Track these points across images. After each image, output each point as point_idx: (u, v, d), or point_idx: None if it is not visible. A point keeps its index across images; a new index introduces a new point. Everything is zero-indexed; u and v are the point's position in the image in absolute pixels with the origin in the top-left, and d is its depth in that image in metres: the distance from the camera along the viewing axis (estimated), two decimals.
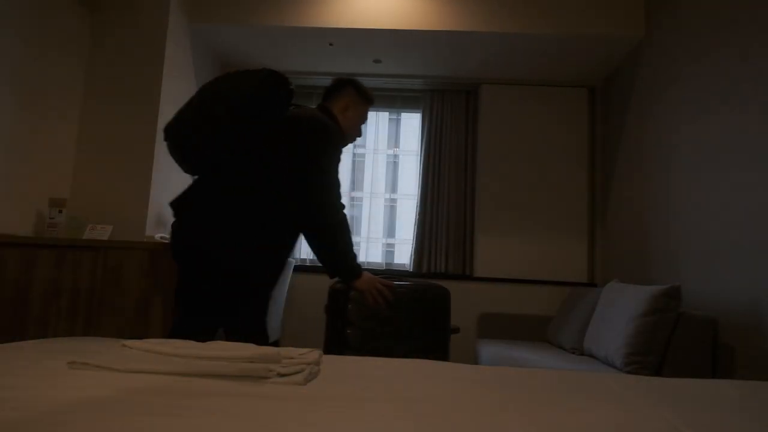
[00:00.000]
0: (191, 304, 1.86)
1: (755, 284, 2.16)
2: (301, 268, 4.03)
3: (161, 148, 3.22)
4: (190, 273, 1.84)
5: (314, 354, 1.28)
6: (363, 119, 2.14)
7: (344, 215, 1.89)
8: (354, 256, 1.92)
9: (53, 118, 2.96)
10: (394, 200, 4.28)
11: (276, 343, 3.72)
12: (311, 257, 4.19)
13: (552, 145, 4.09)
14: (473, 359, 3.76)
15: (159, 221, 3.24)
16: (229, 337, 1.86)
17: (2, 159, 2.61)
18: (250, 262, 1.80)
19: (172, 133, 1.84)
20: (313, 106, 2.07)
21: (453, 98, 4.24)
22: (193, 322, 1.84)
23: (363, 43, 3.63)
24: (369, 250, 4.20)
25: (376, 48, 3.69)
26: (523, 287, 3.94)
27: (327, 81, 4.18)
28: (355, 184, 4.25)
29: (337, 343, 2.00)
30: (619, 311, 2.52)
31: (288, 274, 3.61)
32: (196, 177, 1.93)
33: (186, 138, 1.82)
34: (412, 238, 4.12)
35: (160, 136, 3.19)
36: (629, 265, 3.43)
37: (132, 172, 3.12)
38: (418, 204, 4.11)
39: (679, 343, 2.31)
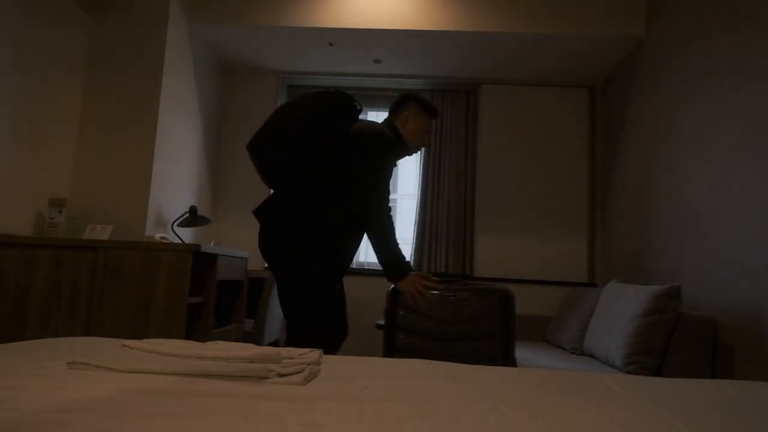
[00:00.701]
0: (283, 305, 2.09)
1: (755, 284, 2.16)
2: None
3: (161, 149, 3.22)
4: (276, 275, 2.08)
5: (314, 354, 1.28)
6: (425, 129, 2.28)
7: (390, 218, 2.02)
8: (396, 257, 2.01)
9: (53, 118, 2.96)
10: (394, 200, 4.28)
11: (276, 343, 3.72)
12: None
13: (552, 145, 4.09)
14: None
15: (159, 221, 3.24)
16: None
17: (2, 159, 2.61)
18: (317, 266, 2.01)
19: (252, 149, 2.04)
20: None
21: (453, 98, 4.24)
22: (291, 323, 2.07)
23: (363, 43, 3.63)
24: (369, 250, 4.20)
25: (376, 48, 3.69)
26: (523, 287, 3.94)
27: (327, 81, 4.22)
28: None
29: (390, 347, 1.94)
30: (619, 311, 2.52)
31: None
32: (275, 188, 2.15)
33: (263, 154, 2.02)
34: (412, 237, 4.12)
35: (160, 136, 3.19)
36: (629, 265, 3.43)
37: (132, 172, 3.12)
38: (419, 204, 4.11)
39: (679, 343, 2.31)
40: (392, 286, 2.01)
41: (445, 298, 1.95)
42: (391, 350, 1.94)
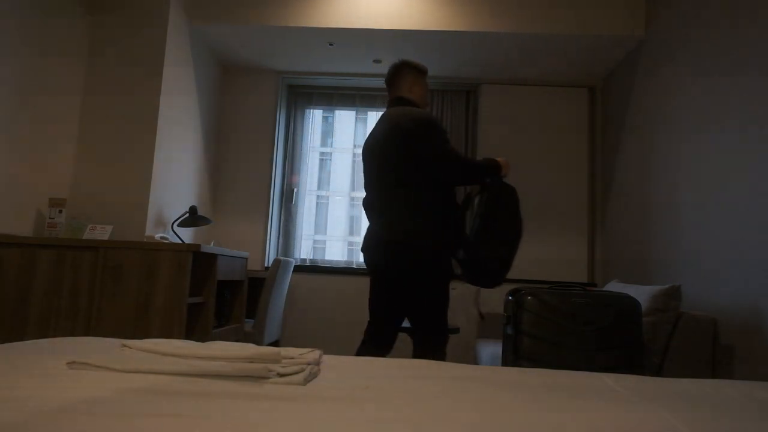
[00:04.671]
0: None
1: (755, 284, 2.16)
2: (301, 268, 4.04)
3: (161, 148, 3.22)
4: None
5: (314, 354, 1.28)
6: (427, 87, 2.45)
7: (464, 164, 2.21)
8: (481, 165, 2.23)
9: (53, 118, 2.96)
10: None
11: (276, 343, 3.72)
12: (311, 257, 4.20)
13: (552, 145, 4.09)
14: (473, 359, 3.76)
15: (159, 221, 3.24)
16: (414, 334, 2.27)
17: (2, 159, 2.61)
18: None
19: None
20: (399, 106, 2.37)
21: (453, 98, 4.24)
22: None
23: (363, 43, 3.63)
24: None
25: (376, 48, 3.69)
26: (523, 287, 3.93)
27: (327, 81, 4.23)
28: (356, 184, 4.26)
29: (512, 352, 1.92)
30: None
31: (288, 274, 3.62)
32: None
33: (365, 162, 2.39)
34: None
35: (160, 135, 3.19)
36: (629, 265, 3.43)
37: (132, 172, 3.12)
38: None
39: (679, 343, 2.31)
40: (512, 293, 2.06)
41: (571, 306, 1.91)
42: (516, 357, 1.90)
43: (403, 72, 2.39)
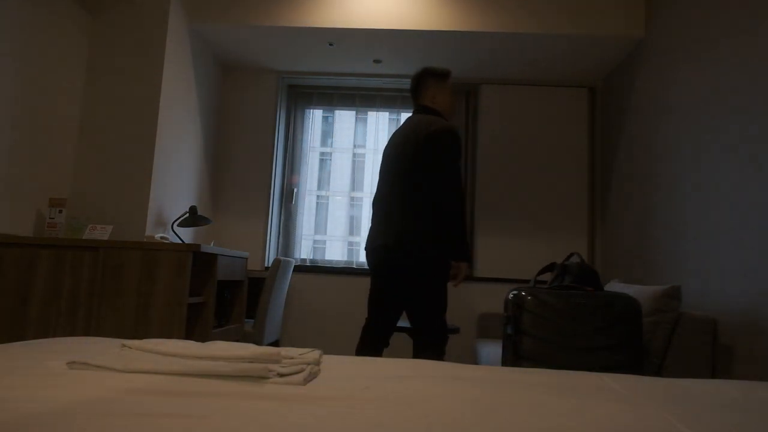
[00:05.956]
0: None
1: (755, 284, 2.16)
2: (301, 268, 4.04)
3: (161, 149, 3.22)
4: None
5: (314, 354, 1.28)
6: (451, 93, 2.48)
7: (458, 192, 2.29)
8: (466, 240, 2.30)
9: (53, 118, 2.96)
10: None
11: (276, 343, 3.72)
12: (311, 257, 4.20)
13: (552, 145, 4.09)
14: (473, 359, 3.76)
15: (159, 221, 3.24)
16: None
17: (2, 159, 2.61)
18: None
19: None
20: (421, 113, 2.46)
21: None
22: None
23: (363, 43, 3.63)
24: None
25: (376, 48, 3.69)
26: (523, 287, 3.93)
27: (327, 81, 4.22)
28: (356, 184, 4.26)
29: (512, 352, 1.93)
30: None
31: (288, 274, 3.62)
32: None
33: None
34: None
35: (160, 135, 3.19)
36: (629, 265, 3.43)
37: (132, 172, 3.12)
38: None
39: (679, 343, 2.31)
40: (512, 293, 2.05)
41: (571, 306, 1.90)
42: (516, 357, 1.90)
43: (424, 81, 2.45)
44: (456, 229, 2.24)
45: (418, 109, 2.46)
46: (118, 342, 1.41)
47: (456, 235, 2.24)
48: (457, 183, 2.24)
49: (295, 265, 3.89)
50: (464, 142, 4.21)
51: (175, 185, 3.43)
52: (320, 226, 4.26)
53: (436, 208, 2.24)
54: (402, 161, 2.31)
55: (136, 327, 2.45)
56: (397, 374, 1.22)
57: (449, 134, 2.27)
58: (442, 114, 2.42)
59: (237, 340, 3.11)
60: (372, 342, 2.39)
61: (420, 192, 2.25)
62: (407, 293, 2.30)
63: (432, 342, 2.27)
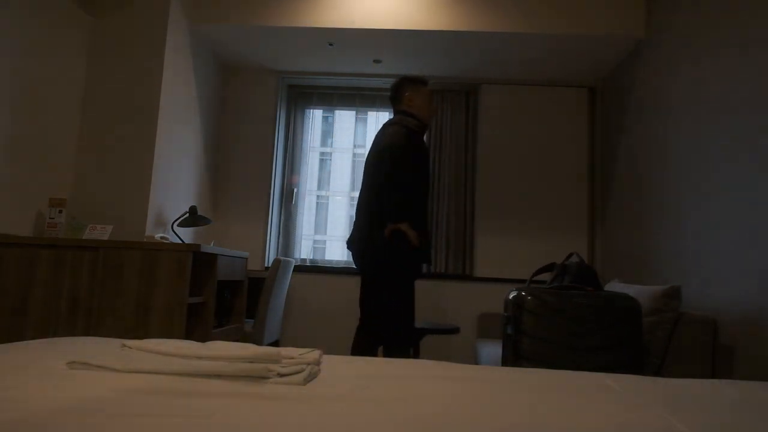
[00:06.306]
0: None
1: (755, 284, 2.16)
2: (301, 268, 4.04)
3: (161, 148, 3.22)
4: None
5: (314, 354, 1.28)
6: (429, 98, 2.60)
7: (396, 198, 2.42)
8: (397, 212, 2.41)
9: (53, 118, 2.96)
10: None
11: (276, 343, 3.72)
12: (311, 257, 4.20)
13: (552, 145, 4.09)
14: (473, 359, 3.76)
15: (159, 221, 3.24)
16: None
17: (2, 159, 2.61)
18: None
19: None
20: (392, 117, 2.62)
21: (453, 98, 4.24)
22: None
23: (363, 43, 3.63)
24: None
25: (376, 48, 3.69)
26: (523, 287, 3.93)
27: (327, 81, 4.23)
28: (356, 184, 4.26)
29: (512, 352, 1.93)
30: None
31: (288, 274, 3.62)
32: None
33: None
34: None
35: (160, 135, 3.19)
36: (629, 265, 3.43)
37: (132, 172, 3.12)
38: None
39: (679, 343, 2.31)
40: (513, 293, 2.04)
41: (572, 306, 1.90)
42: (516, 357, 1.90)
43: (402, 87, 2.59)
44: (389, 208, 2.37)
45: (395, 113, 2.59)
46: (118, 342, 1.41)
47: (388, 207, 2.37)
48: (399, 195, 2.36)
49: (295, 265, 3.89)
50: (464, 142, 4.21)
51: (175, 185, 3.43)
52: (320, 226, 4.26)
53: (384, 217, 2.40)
54: (367, 170, 2.54)
55: (136, 327, 2.45)
56: (397, 374, 1.22)
57: (395, 148, 2.39)
58: (418, 116, 2.53)
59: (237, 340, 3.11)
60: (362, 340, 2.54)
61: (376, 201, 2.43)
62: (370, 291, 2.52)
63: (386, 345, 2.41)
